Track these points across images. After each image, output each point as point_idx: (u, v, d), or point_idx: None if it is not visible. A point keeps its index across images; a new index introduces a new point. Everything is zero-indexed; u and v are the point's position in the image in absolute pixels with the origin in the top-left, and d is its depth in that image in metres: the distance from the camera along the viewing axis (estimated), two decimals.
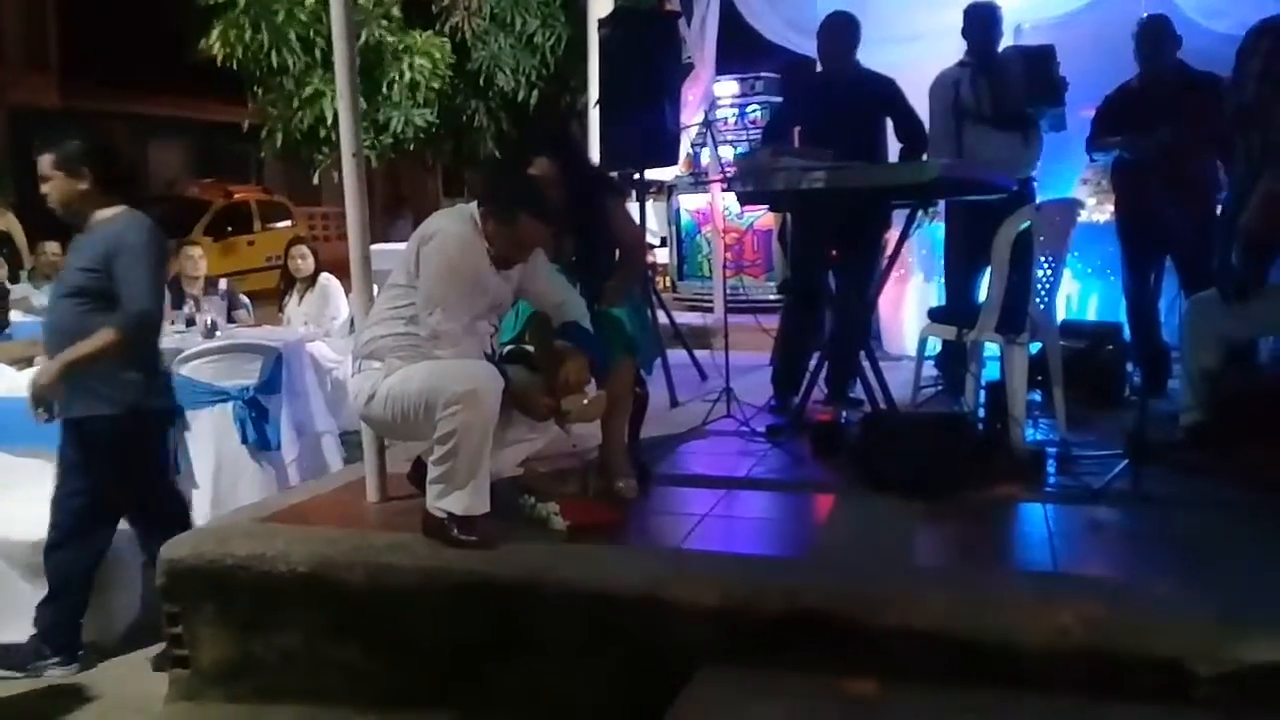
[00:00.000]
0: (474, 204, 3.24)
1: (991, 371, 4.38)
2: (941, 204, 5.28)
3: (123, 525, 3.66)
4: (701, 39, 7.67)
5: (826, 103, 4.84)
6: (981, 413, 4.12)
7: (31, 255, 7.83)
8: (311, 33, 8.43)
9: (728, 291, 7.01)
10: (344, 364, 4.92)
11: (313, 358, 5.80)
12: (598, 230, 3.87)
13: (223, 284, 6.40)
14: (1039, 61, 4.94)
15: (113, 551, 3.65)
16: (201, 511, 4.52)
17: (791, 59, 7.33)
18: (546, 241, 3.34)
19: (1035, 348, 4.15)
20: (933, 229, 5.96)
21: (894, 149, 5.05)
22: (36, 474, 3.75)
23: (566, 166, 3.76)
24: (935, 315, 4.67)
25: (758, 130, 8.10)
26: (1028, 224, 3.96)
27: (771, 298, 7.57)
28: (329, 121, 8.56)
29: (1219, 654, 2.38)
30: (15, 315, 6.85)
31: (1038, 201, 4.68)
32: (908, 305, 6.54)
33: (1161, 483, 3.47)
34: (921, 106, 5.06)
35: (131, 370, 3.43)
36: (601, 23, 6.22)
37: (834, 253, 4.66)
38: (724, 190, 7.37)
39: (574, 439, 3.62)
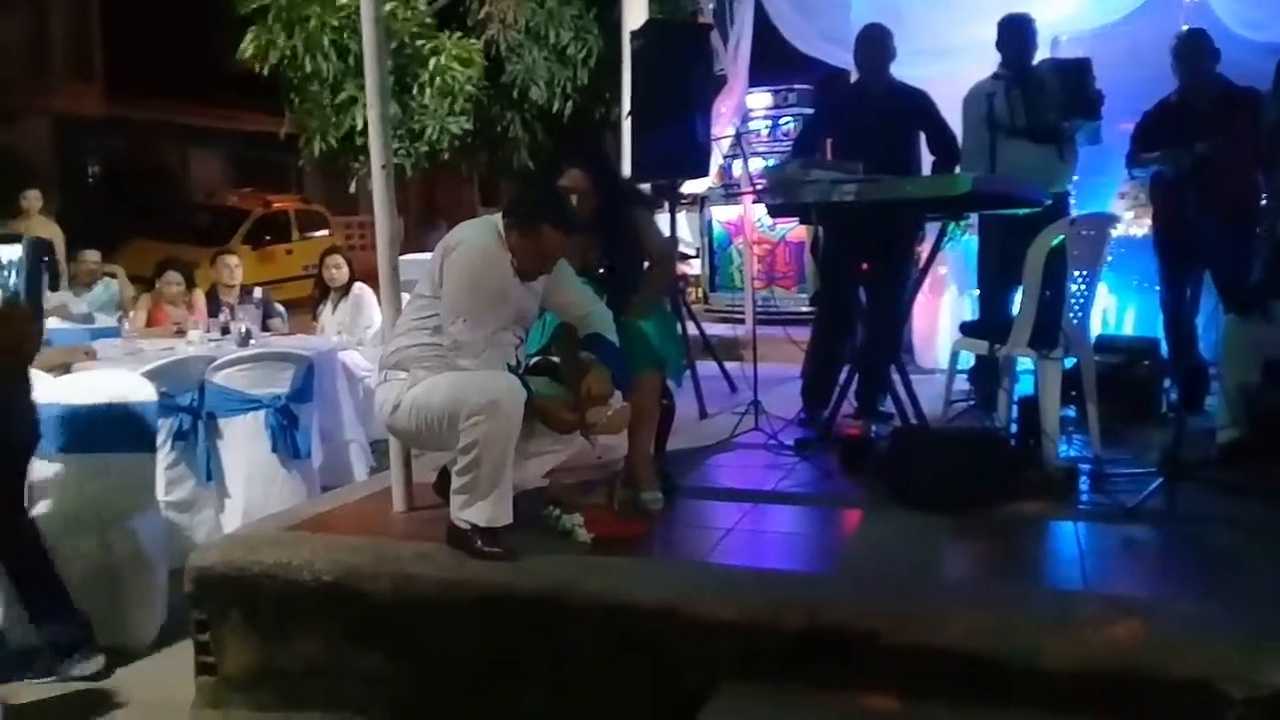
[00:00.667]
0: (499, 215, 3.25)
1: (1025, 386, 4.33)
2: (974, 216, 5.24)
3: (143, 532, 3.70)
4: (735, 51, 7.67)
5: (859, 115, 4.84)
6: (1014, 428, 4.08)
7: (71, 263, 7.92)
8: (345, 36, 8.43)
9: (759, 303, 6.99)
10: (375, 373, 4.94)
11: (345, 366, 5.86)
12: (627, 242, 3.88)
13: (257, 292, 6.47)
14: (1075, 75, 4.88)
15: (139, 560, 3.69)
16: (233, 519, 4.58)
17: (826, 71, 7.33)
18: (570, 253, 3.34)
19: (1070, 362, 4.10)
20: (967, 242, 5.91)
21: (927, 162, 5.02)
22: None
23: (598, 179, 3.77)
24: (967, 329, 4.63)
25: (790, 142, 8.09)
26: (1061, 238, 3.92)
27: (803, 310, 7.53)
28: (361, 129, 8.58)
29: (1252, 676, 2.33)
30: (53, 322, 6.92)
31: (1071, 216, 4.63)
32: (941, 318, 6.49)
33: (1197, 501, 3.42)
34: (955, 120, 5.03)
35: None
36: (634, 35, 6.23)
37: (864, 266, 4.63)
38: (754, 202, 7.37)
39: (599, 450, 3.61)
